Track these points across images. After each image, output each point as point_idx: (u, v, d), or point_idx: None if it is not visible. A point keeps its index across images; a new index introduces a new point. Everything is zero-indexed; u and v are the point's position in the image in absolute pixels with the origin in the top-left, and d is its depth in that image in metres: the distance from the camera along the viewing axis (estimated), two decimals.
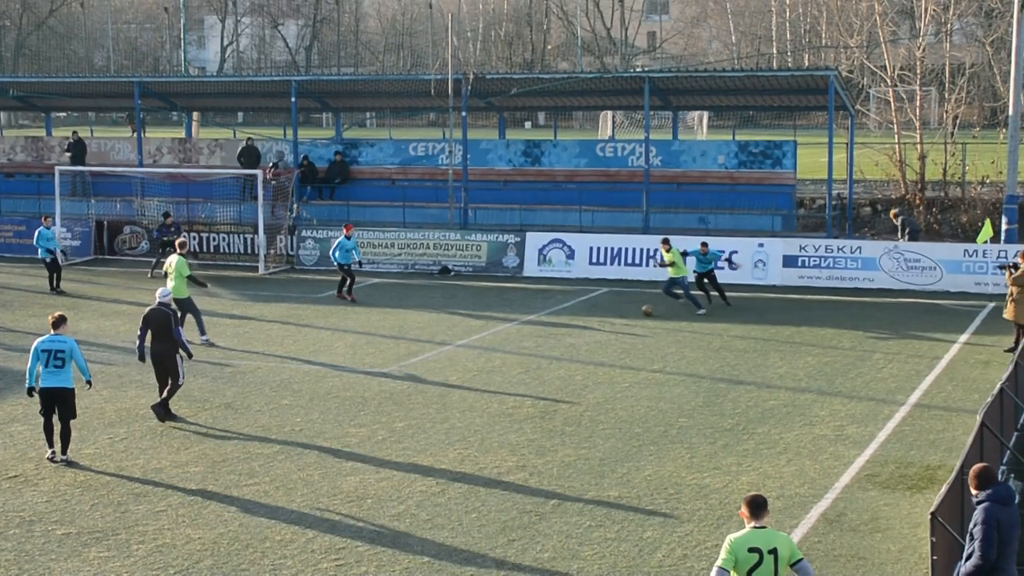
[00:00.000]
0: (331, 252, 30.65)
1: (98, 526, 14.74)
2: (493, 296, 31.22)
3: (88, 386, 18.04)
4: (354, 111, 54.37)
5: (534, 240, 34.46)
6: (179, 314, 19.97)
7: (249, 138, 42.29)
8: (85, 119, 75.56)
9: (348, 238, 30.39)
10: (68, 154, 43.05)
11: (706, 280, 29.27)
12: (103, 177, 41.10)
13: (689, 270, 29.22)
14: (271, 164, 40.12)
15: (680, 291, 28.83)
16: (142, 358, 19.84)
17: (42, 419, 17.65)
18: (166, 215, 35.67)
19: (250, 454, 17.60)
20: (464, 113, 38.05)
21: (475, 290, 32.18)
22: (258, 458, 17.39)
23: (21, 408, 19.73)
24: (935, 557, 11.44)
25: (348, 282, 30.31)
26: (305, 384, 21.91)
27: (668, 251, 28.83)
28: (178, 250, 25.76)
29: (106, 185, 41.20)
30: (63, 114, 76.26)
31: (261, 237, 35.87)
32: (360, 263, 31.03)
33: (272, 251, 36.45)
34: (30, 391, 17.54)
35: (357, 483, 16.23)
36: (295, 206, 38.84)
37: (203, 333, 25.25)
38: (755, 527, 10.01)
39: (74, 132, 44.96)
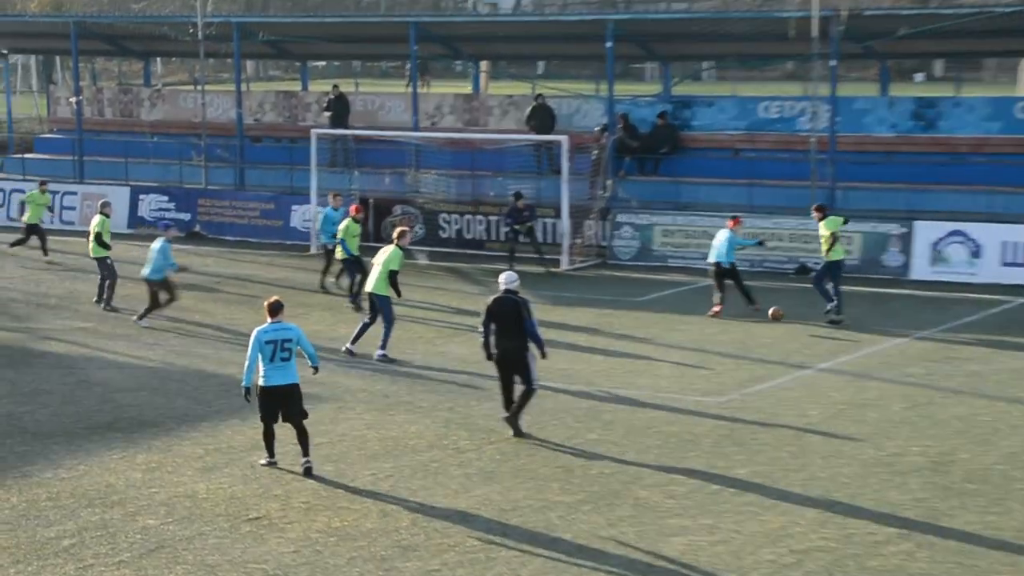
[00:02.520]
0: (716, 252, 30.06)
1: None
2: (868, 305, 30.68)
3: (314, 371, 19.42)
4: (687, 60, 54.32)
5: (926, 231, 33.77)
6: (528, 304, 20.90)
7: (539, 95, 42.88)
8: (348, 69, 78.53)
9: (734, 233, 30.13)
10: (327, 113, 44.62)
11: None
12: (369, 143, 42.53)
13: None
14: (599, 127, 40.57)
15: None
16: (490, 356, 20.86)
17: (262, 425, 19.08)
18: (517, 196, 36.23)
19: (547, 501, 17.82)
20: (833, 62, 37.50)
21: (844, 296, 31.65)
22: (557, 507, 17.60)
23: None
24: None
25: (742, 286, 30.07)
26: (618, 414, 22.05)
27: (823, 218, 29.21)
28: (396, 240, 26.41)
29: (373, 153, 42.63)
30: (322, 63, 79.36)
31: (565, 223, 36.34)
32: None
33: (579, 240, 36.88)
34: (247, 392, 19.08)
35: (684, 546, 16.20)
36: (609, 183, 39.19)
37: (382, 347, 25.99)
38: None
39: (335, 86, 46.57)
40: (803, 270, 34.21)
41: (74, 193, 44.73)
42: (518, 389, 20.80)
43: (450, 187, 40.18)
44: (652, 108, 42.50)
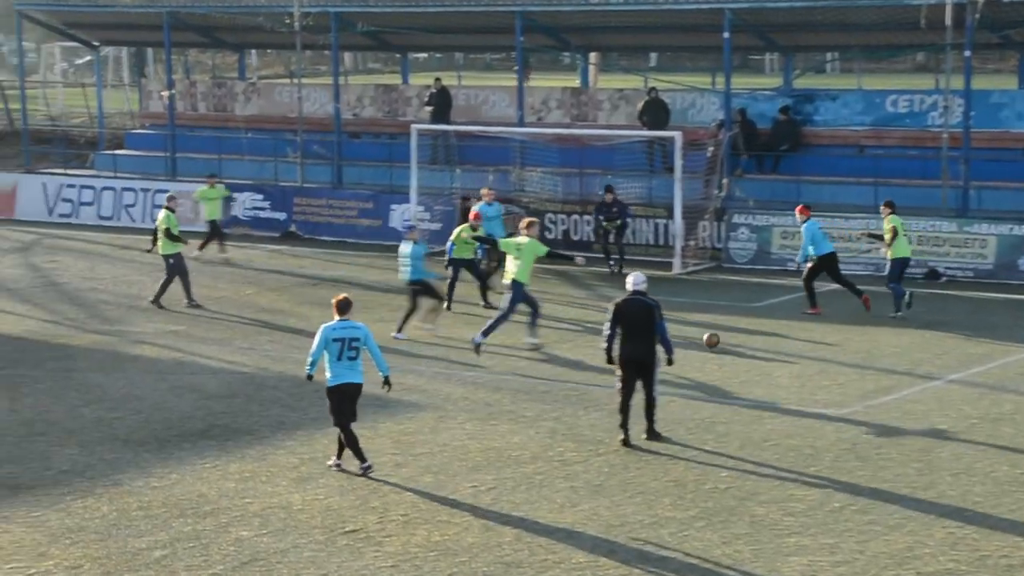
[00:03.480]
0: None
1: None
2: (1004, 312, 30.40)
3: (386, 386, 19.88)
4: (810, 51, 54.08)
5: None
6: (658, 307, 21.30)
7: (652, 89, 42.82)
8: (451, 62, 78.80)
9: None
10: (428, 108, 44.90)
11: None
12: (472, 139, 42.66)
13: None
14: (715, 122, 40.51)
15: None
16: (611, 360, 21.14)
17: (338, 429, 19.74)
18: (608, 189, 36.33)
19: (658, 517, 17.84)
20: (968, 52, 37.14)
21: (977, 303, 31.45)
22: (668, 523, 17.60)
23: (366, 441, 20.71)
24: None
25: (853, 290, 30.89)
26: (734, 425, 22.02)
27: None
28: (525, 231, 26.84)
29: (476, 149, 42.75)
30: (423, 55, 79.68)
31: (678, 224, 36.28)
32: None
33: (692, 243, 36.80)
34: (310, 378, 19.93)
35: (804, 566, 16.16)
36: (725, 182, 39.08)
37: (484, 333, 26.73)
38: None
39: (437, 79, 46.80)
40: (933, 275, 33.96)
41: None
42: (636, 397, 20.92)
43: (557, 186, 40.26)
44: (772, 102, 42.32)
